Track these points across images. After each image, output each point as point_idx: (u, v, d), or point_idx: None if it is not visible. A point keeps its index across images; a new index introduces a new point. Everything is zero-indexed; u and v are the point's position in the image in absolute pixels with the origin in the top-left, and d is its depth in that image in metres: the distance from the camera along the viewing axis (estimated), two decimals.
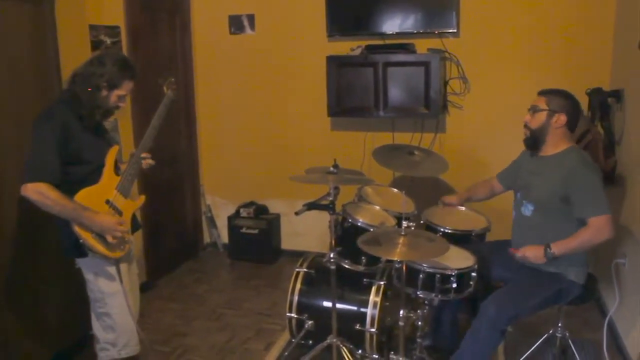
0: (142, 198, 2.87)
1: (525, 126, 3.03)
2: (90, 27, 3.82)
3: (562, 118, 2.90)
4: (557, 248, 2.81)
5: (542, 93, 2.99)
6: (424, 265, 2.86)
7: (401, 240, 2.65)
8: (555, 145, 2.96)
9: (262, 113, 5.13)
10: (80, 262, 2.68)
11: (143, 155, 2.84)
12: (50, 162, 2.47)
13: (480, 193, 3.53)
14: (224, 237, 5.42)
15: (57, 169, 2.49)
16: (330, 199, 3.04)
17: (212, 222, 5.48)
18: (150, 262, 4.64)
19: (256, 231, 5.13)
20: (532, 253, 2.87)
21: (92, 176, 2.61)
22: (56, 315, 3.42)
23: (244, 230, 5.17)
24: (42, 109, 2.62)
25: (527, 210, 3.02)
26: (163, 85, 2.98)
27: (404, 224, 2.73)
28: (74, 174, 2.57)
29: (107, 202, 2.61)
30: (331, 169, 3.20)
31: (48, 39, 3.37)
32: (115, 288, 2.71)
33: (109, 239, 2.55)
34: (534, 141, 3.01)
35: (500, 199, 3.53)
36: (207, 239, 5.57)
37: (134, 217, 2.80)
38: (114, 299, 2.71)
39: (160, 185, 4.80)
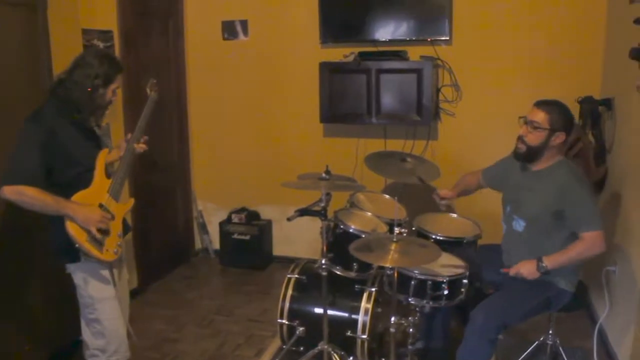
0: (132, 201, 2.88)
1: (521, 139, 2.92)
2: (83, 31, 3.81)
3: (561, 136, 2.85)
4: (549, 262, 2.81)
5: (541, 106, 2.87)
6: (416, 271, 2.87)
7: (393, 246, 2.65)
8: (548, 160, 2.94)
9: (255, 118, 5.13)
10: (72, 268, 2.67)
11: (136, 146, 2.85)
12: (30, 166, 2.47)
13: (471, 184, 3.44)
14: (216, 243, 5.40)
15: (37, 174, 2.48)
16: (322, 205, 3.04)
17: (203, 228, 5.46)
18: (141, 267, 4.61)
19: (248, 237, 5.12)
20: (525, 269, 2.85)
21: (82, 179, 2.61)
22: (47, 320, 3.40)
23: (235, 236, 5.15)
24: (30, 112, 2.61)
25: (519, 225, 3.01)
26: (146, 88, 3.00)
27: (396, 230, 2.73)
28: (63, 177, 2.57)
29: (101, 206, 2.61)
30: (323, 175, 3.20)
31: (41, 43, 3.35)
32: (105, 294, 2.70)
33: (93, 230, 2.52)
34: (529, 157, 2.94)
35: (492, 203, 3.53)
36: (198, 244, 5.55)
37: (124, 220, 2.79)
38: (104, 304, 2.70)
39: (151, 190, 4.78)
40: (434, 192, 3.51)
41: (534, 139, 2.87)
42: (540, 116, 2.85)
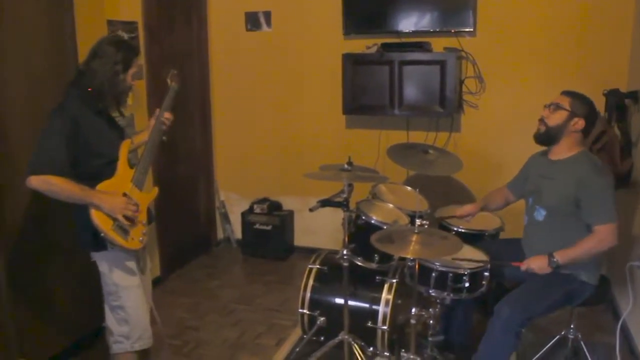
0: (156, 190, 2.90)
1: (541, 121, 2.97)
2: (108, 23, 3.86)
3: (580, 123, 2.86)
4: (560, 256, 2.79)
5: (566, 93, 2.94)
6: (437, 263, 2.86)
7: (414, 238, 2.64)
8: (568, 149, 2.93)
9: (277, 109, 5.15)
10: (97, 256, 2.70)
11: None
12: (56, 156, 2.49)
13: (497, 202, 3.41)
14: (237, 233, 5.44)
15: (63, 164, 2.50)
16: (344, 196, 3.04)
17: (225, 218, 5.50)
18: (163, 256, 4.68)
19: (269, 227, 5.15)
20: (536, 264, 2.84)
21: (106, 170, 2.64)
22: (70, 306, 3.46)
23: (257, 226, 5.19)
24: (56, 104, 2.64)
25: (540, 215, 3.00)
26: (166, 78, 3.03)
27: (418, 222, 2.73)
28: (89, 168, 2.60)
29: (125, 195, 2.63)
30: (345, 166, 3.20)
31: (67, 34, 3.39)
32: (129, 282, 2.74)
33: (119, 217, 2.56)
34: (547, 138, 2.97)
35: None
36: (220, 234, 5.60)
37: (148, 209, 2.83)
38: (128, 292, 2.73)
39: (174, 180, 4.83)
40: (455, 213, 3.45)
41: (554, 119, 2.91)
42: (564, 100, 2.91)
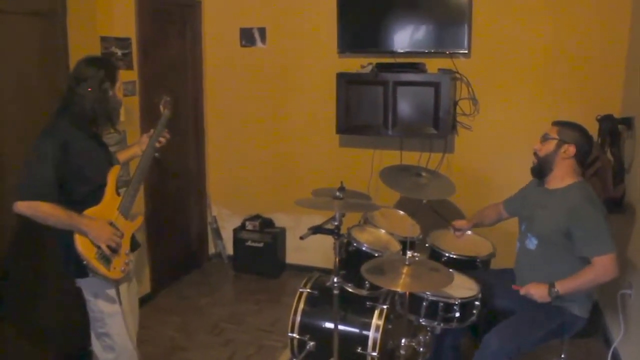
0: (141, 218, 2.87)
1: (535, 154, 3.00)
2: (101, 39, 3.83)
3: (570, 149, 2.86)
4: (561, 287, 2.78)
5: (555, 123, 2.96)
6: (428, 293, 2.84)
7: (405, 270, 2.62)
8: (562, 178, 2.93)
9: (271, 126, 5.13)
10: (81, 282, 2.68)
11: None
12: (44, 181, 2.47)
13: (490, 217, 3.46)
14: (229, 249, 5.41)
15: (51, 189, 2.48)
16: (336, 223, 3.02)
17: (217, 234, 5.47)
18: (154, 272, 4.64)
19: (261, 244, 5.12)
20: (536, 291, 2.83)
21: (94, 195, 2.62)
22: (57, 328, 3.43)
23: (249, 243, 5.16)
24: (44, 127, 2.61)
25: (531, 243, 2.99)
26: (159, 105, 3.01)
27: (409, 253, 2.71)
28: (76, 193, 2.58)
29: (110, 223, 2.61)
30: (337, 194, 3.16)
31: (60, 51, 3.38)
32: (115, 309, 2.71)
33: (103, 246, 2.53)
34: (539, 169, 2.99)
35: (507, 224, 3.50)
36: (212, 249, 5.56)
37: (132, 237, 2.80)
38: (113, 319, 2.71)
39: (167, 195, 4.81)
40: (450, 224, 3.48)
41: (544, 149, 2.95)
42: (553, 130, 2.94)
